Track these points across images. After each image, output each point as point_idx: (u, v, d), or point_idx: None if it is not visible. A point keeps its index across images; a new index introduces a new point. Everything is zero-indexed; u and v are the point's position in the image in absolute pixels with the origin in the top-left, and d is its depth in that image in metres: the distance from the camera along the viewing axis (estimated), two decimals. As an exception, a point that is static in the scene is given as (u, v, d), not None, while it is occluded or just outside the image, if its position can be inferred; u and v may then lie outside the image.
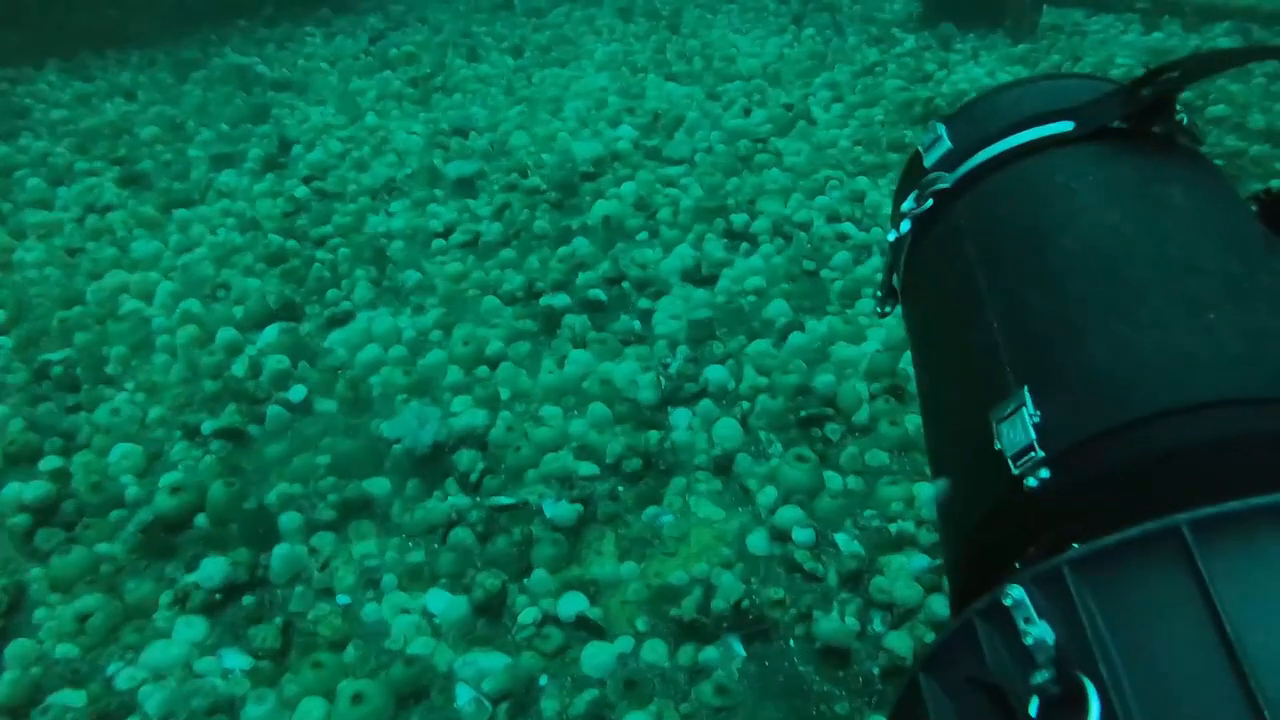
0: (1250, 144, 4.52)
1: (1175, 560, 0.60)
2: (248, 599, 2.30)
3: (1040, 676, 0.62)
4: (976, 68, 6.05)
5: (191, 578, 2.33)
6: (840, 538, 2.45)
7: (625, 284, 3.56)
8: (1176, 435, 0.70)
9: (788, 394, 2.89)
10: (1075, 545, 0.67)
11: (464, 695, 2.06)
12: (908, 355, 3.03)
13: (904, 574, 2.30)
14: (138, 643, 2.20)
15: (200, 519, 2.51)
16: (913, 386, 2.96)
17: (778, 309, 3.33)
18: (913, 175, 1.19)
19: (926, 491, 2.54)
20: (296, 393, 3.00)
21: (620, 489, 2.63)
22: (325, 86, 6.12)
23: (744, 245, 3.84)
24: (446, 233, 4.06)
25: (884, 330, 3.22)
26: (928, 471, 2.66)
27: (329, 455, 2.74)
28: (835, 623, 2.16)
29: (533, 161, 4.70)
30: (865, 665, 2.12)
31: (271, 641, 2.16)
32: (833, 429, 2.80)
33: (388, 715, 2.03)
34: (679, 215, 4.07)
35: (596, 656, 2.13)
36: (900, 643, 2.12)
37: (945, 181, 1.08)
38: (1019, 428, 0.77)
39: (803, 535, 2.41)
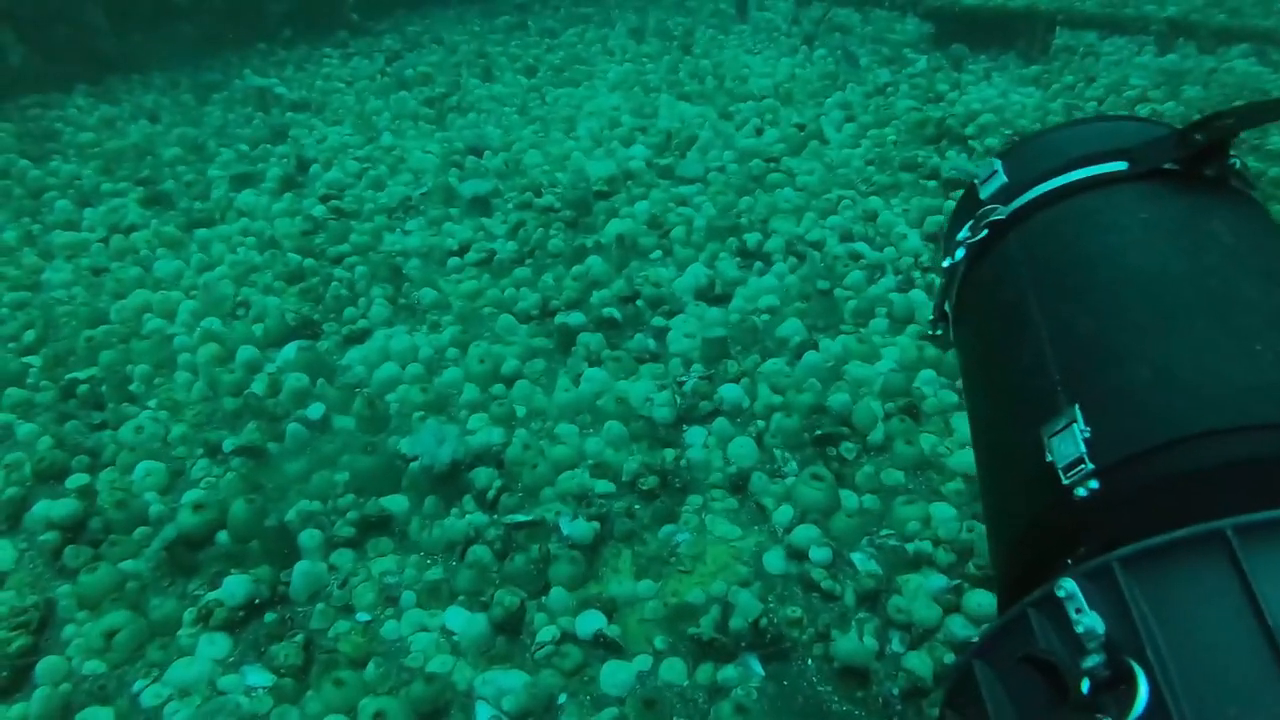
0: (1270, 165, 4.52)
1: (1219, 559, 0.66)
2: (269, 616, 2.32)
3: (1091, 661, 0.68)
4: (989, 88, 6.09)
5: (214, 595, 2.35)
6: (857, 557, 2.46)
7: (639, 302, 3.59)
8: (1216, 454, 0.76)
9: (802, 413, 2.91)
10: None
11: (484, 713, 2.08)
12: (922, 374, 3.06)
13: (922, 594, 2.30)
14: (163, 660, 2.22)
15: (222, 536, 2.54)
16: (926, 405, 2.98)
17: (792, 328, 3.35)
18: (968, 207, 1.26)
19: (943, 511, 2.55)
20: (315, 410, 3.03)
21: (637, 507, 2.64)
22: (342, 107, 6.20)
23: (757, 264, 3.87)
24: (462, 251, 4.11)
25: (898, 349, 3.24)
26: (943, 491, 2.68)
27: (347, 472, 2.77)
28: (854, 642, 2.16)
29: (547, 180, 4.75)
30: (885, 686, 2.12)
31: (293, 659, 2.19)
32: (848, 448, 2.81)
33: (408, 732, 2.04)
34: (692, 234, 4.11)
35: (615, 675, 2.14)
36: (920, 663, 2.13)
37: (1000, 213, 1.14)
38: (1070, 442, 0.83)
39: (820, 554, 2.42)
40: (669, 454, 2.79)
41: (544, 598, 2.36)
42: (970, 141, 5.10)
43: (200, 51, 7.25)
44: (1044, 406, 0.89)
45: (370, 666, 2.20)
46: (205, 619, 2.31)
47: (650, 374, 3.19)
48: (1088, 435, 0.81)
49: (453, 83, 6.57)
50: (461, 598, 2.38)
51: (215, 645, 2.26)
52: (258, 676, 2.19)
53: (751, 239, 3.99)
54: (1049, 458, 0.84)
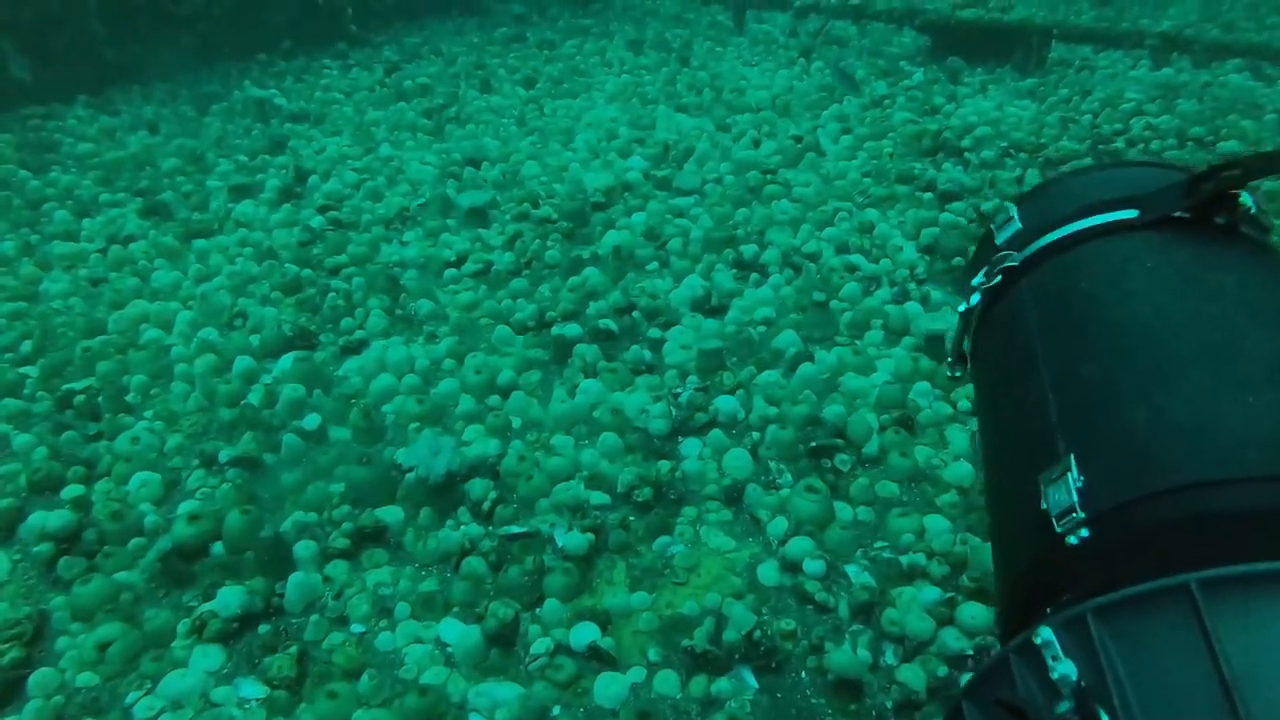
0: (1263, 179, 4.54)
1: (1185, 613, 0.69)
2: (263, 628, 2.33)
3: (1063, 706, 0.71)
4: (985, 101, 6.13)
5: (208, 606, 2.35)
6: (851, 569, 2.47)
7: (636, 314, 3.60)
8: (1204, 505, 0.79)
9: (797, 424, 2.92)
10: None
11: (477, 725, 2.08)
12: (917, 386, 3.07)
13: (915, 606, 2.31)
14: (156, 672, 2.22)
15: (217, 547, 2.54)
16: (921, 418, 2.99)
17: (787, 339, 3.36)
18: (984, 252, 1.30)
19: (937, 524, 2.55)
20: (311, 421, 3.04)
21: (631, 518, 2.65)
22: (341, 118, 6.22)
23: (754, 276, 3.88)
24: (459, 262, 4.12)
25: (893, 361, 3.25)
26: (937, 504, 2.69)
27: (343, 483, 2.77)
28: (847, 655, 2.16)
29: (544, 191, 4.76)
30: (878, 698, 2.12)
31: (287, 670, 2.18)
32: (843, 460, 2.82)
33: (401, 745, 2.04)
34: (689, 245, 4.12)
35: (609, 687, 2.14)
36: (913, 676, 2.13)
37: (1014, 260, 1.17)
38: (1063, 490, 0.86)
39: (813, 566, 2.43)
40: (664, 466, 2.79)
41: (538, 609, 2.36)
42: (966, 154, 5.13)
43: (200, 62, 7.28)
44: (1043, 452, 0.91)
45: (364, 678, 2.19)
46: (199, 630, 2.31)
47: (646, 385, 3.20)
48: (1080, 484, 0.84)
49: (451, 94, 6.60)
50: (456, 609, 2.38)
51: (209, 657, 2.26)
52: (251, 688, 2.19)
53: (748, 251, 4.00)
54: (1044, 505, 0.86)
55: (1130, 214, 1.10)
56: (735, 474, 2.77)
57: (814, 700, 2.13)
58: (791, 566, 2.45)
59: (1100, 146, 5.09)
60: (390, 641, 2.31)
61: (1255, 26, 7.56)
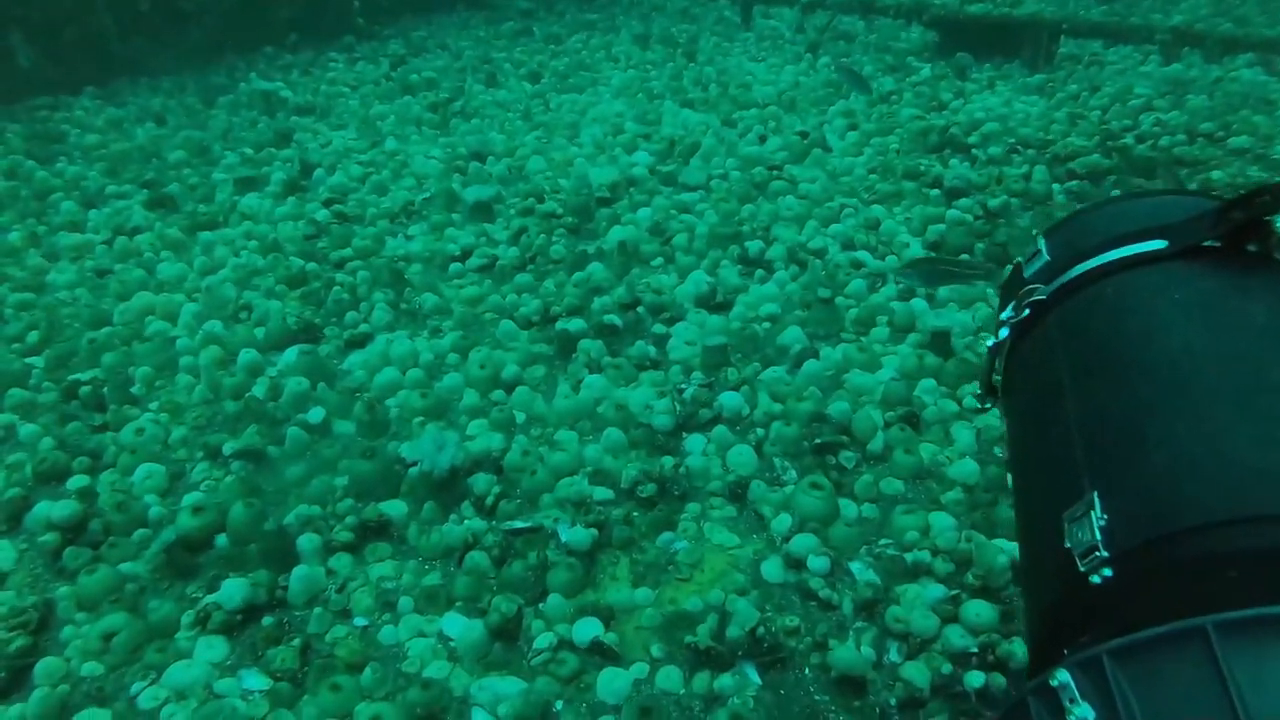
0: (1275, 175, 4.52)
1: (1201, 655, 0.68)
2: (267, 620, 2.33)
3: None
4: (993, 97, 6.09)
5: (212, 598, 2.36)
6: (855, 566, 2.46)
7: (640, 309, 3.60)
8: (1224, 544, 0.77)
9: (802, 421, 2.91)
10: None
11: None
12: (923, 383, 3.06)
13: (920, 603, 2.30)
14: (160, 662, 2.22)
15: (221, 539, 2.54)
16: (927, 414, 2.98)
17: (792, 336, 3.35)
18: (1013, 285, 1.28)
19: (942, 521, 2.54)
20: (315, 414, 3.04)
21: (635, 514, 2.64)
22: (347, 111, 6.22)
23: (759, 272, 3.87)
24: (464, 256, 4.12)
25: (898, 358, 3.24)
26: (943, 501, 2.67)
27: (347, 477, 2.77)
28: (851, 652, 2.16)
29: (549, 186, 4.76)
30: (881, 695, 2.12)
31: (290, 663, 2.19)
32: (848, 456, 2.81)
33: (404, 738, 2.05)
34: (694, 241, 4.11)
35: (612, 682, 2.14)
36: (917, 673, 2.12)
37: (1041, 293, 1.16)
38: (1086, 528, 0.85)
39: (817, 563, 2.42)
40: (668, 461, 2.79)
41: (541, 604, 2.36)
42: (974, 150, 5.10)
43: (207, 55, 7.29)
44: (1067, 490, 0.90)
45: (367, 671, 2.20)
46: (203, 622, 2.32)
47: (650, 381, 3.19)
48: (1103, 523, 0.83)
49: (457, 88, 6.59)
50: (459, 604, 2.38)
51: (213, 648, 2.27)
52: (254, 680, 2.19)
53: (753, 246, 3.99)
54: (1067, 543, 0.86)
55: (1159, 244, 1.08)
56: (739, 470, 2.77)
57: (817, 697, 2.13)
58: (795, 563, 2.45)
59: (1109, 143, 5.06)
60: (393, 635, 2.31)
61: (1268, 21, 7.50)
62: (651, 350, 3.37)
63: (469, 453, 2.82)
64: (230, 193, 4.84)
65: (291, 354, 3.37)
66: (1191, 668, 0.68)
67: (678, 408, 2.99)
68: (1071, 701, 0.73)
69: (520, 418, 3.06)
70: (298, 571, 2.41)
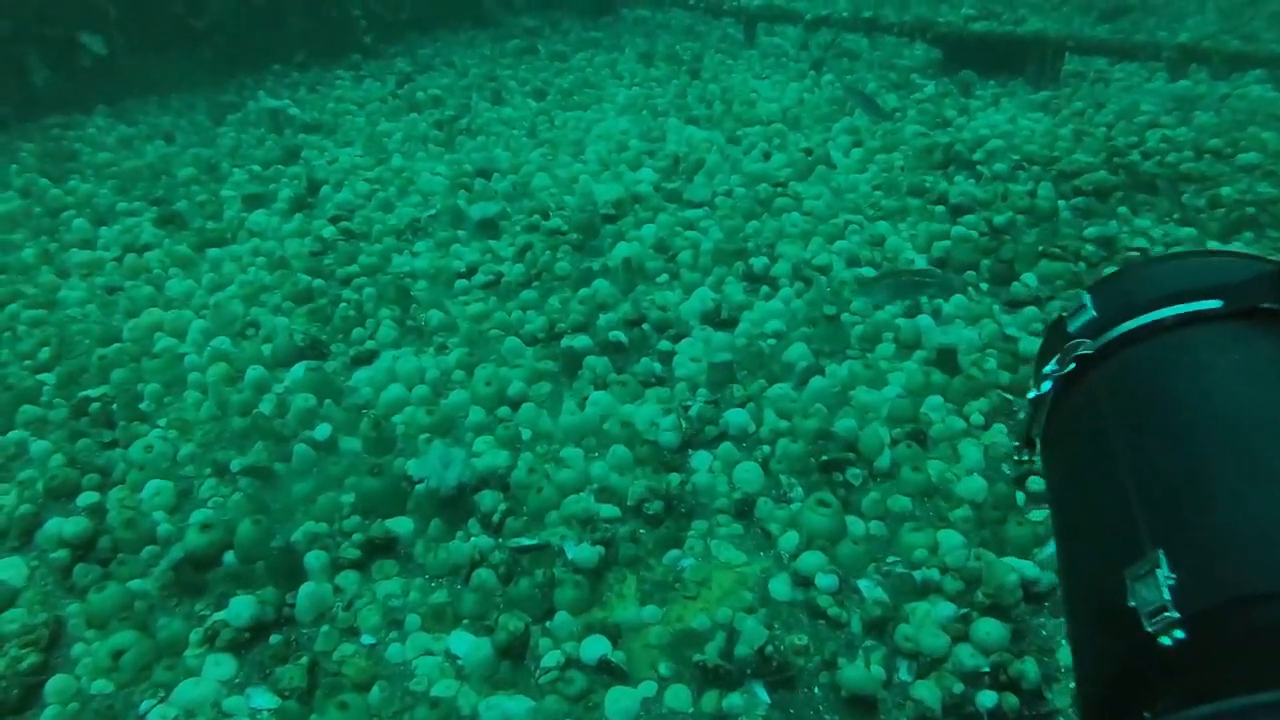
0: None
1: None
2: (275, 638, 2.33)
3: None
4: (997, 114, 6.12)
5: (220, 615, 2.36)
6: (864, 584, 2.45)
7: (646, 326, 3.61)
8: None
9: (808, 438, 2.91)
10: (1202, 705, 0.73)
11: (487, 738, 2.07)
12: (929, 400, 3.06)
13: (929, 622, 2.29)
14: (169, 680, 2.22)
15: (229, 556, 2.55)
16: (934, 431, 2.98)
17: (798, 352, 3.35)
18: (1055, 339, 1.28)
19: (950, 539, 2.54)
20: (322, 431, 3.05)
21: (642, 531, 2.64)
22: (353, 128, 6.26)
23: (764, 288, 3.88)
24: (469, 273, 4.14)
25: (904, 375, 3.24)
26: (951, 518, 2.67)
27: (353, 494, 2.78)
28: (860, 671, 2.15)
29: (554, 203, 4.78)
30: (892, 716, 2.11)
31: (298, 681, 2.19)
32: (854, 474, 2.81)
33: (411, 757, 2.04)
34: (699, 258, 4.13)
35: (620, 701, 2.13)
36: (928, 693, 2.11)
37: (1088, 348, 1.15)
38: (1153, 588, 0.82)
39: (826, 581, 2.42)
40: (674, 479, 2.79)
41: (548, 622, 2.36)
42: (978, 166, 5.12)
43: (216, 74, 7.35)
44: (1126, 547, 0.88)
45: (375, 690, 2.19)
46: (211, 640, 2.32)
47: (656, 398, 3.20)
48: (1172, 582, 0.80)
49: (463, 105, 6.64)
50: (466, 621, 2.38)
51: (221, 666, 2.27)
52: (262, 698, 2.19)
53: (758, 263, 4.00)
54: (1131, 602, 0.83)
55: (1214, 304, 1.07)
56: (746, 487, 2.77)
57: (827, 717, 2.12)
58: (803, 581, 2.44)
59: (1115, 159, 5.07)
60: (400, 653, 2.31)
61: (1276, 37, 7.50)
62: (657, 367, 3.38)
63: (475, 470, 2.82)
64: (238, 210, 4.87)
65: (298, 370, 3.39)
66: None
67: (683, 425, 3.00)
68: None
69: (526, 434, 3.06)
70: (305, 589, 2.41)
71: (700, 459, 2.92)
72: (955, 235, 4.28)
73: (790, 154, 5.34)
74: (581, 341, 3.49)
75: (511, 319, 3.74)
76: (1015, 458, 1.37)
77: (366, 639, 2.36)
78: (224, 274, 4.18)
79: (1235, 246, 4.06)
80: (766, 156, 5.34)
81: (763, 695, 2.15)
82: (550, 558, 2.54)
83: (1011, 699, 2.09)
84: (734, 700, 2.13)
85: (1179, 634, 0.77)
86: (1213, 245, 4.08)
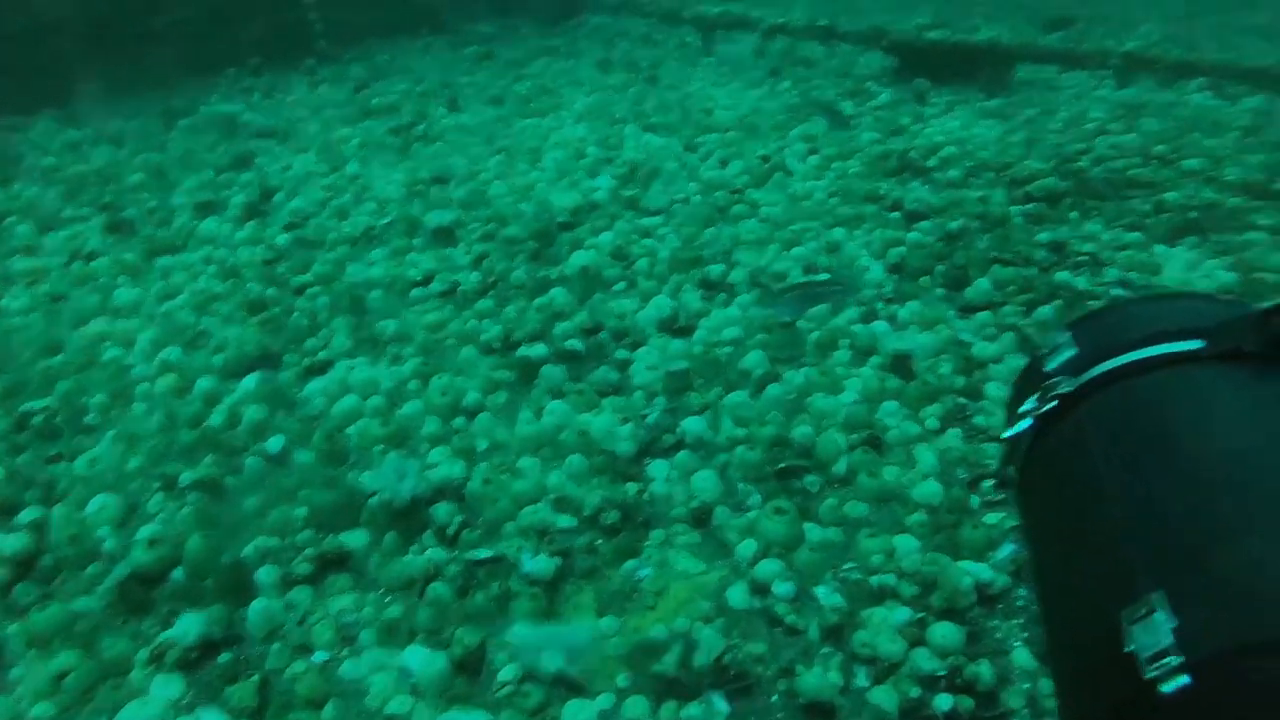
0: (1226, 196, 4.64)
1: None
2: (224, 656, 2.28)
3: None
4: (951, 121, 6.21)
5: (168, 634, 2.30)
6: (821, 590, 2.46)
7: (603, 334, 3.60)
8: None
9: (765, 445, 2.92)
10: None
11: (442, 755, 2.04)
12: (885, 406, 3.09)
13: (886, 627, 2.31)
14: (114, 702, 2.17)
15: (177, 573, 2.49)
16: (889, 437, 3.00)
17: (755, 360, 3.37)
18: (1031, 378, 1.26)
19: (906, 544, 2.56)
20: (274, 443, 2.99)
21: (599, 542, 2.63)
22: (308, 135, 6.18)
23: (721, 295, 3.90)
24: (425, 281, 4.10)
25: (860, 381, 3.26)
26: (906, 523, 2.68)
27: (306, 507, 2.73)
28: (818, 678, 2.16)
29: (511, 211, 4.75)
30: (845, 721, 2.12)
31: (249, 700, 2.14)
32: (811, 480, 2.82)
33: (364, 776, 2.01)
34: (656, 266, 4.13)
35: (578, 715, 2.12)
36: (885, 698, 2.13)
37: (1069, 385, 1.14)
38: (1153, 631, 0.79)
39: (783, 588, 2.42)
40: (631, 488, 2.79)
41: (504, 637, 2.34)
42: (933, 173, 5.19)
43: (168, 77, 7.21)
44: (1121, 589, 0.85)
45: (328, 708, 2.16)
46: (159, 659, 2.26)
47: (613, 407, 3.19)
48: (1174, 625, 0.77)
49: (419, 112, 6.58)
50: (421, 636, 2.35)
51: (169, 687, 2.21)
52: (213, 719, 2.13)
53: (715, 270, 4.02)
54: (1129, 647, 0.80)
55: (1197, 345, 1.07)
56: (703, 496, 2.77)
57: (783, 724, 2.12)
58: (761, 589, 2.45)
59: (1065, 165, 5.17)
60: (354, 669, 2.27)
61: (1218, 46, 7.72)
62: (614, 376, 3.37)
63: (430, 481, 2.79)
64: (189, 217, 4.78)
65: (250, 381, 3.33)
66: None
67: (641, 433, 2.99)
68: None
69: (482, 445, 3.03)
70: (256, 605, 2.36)
71: (657, 468, 2.91)
72: (910, 241, 4.33)
73: (747, 161, 5.37)
74: (538, 350, 3.47)
75: (467, 328, 3.71)
76: (989, 496, 1.34)
77: (319, 655, 2.31)
78: (174, 283, 4.09)
79: (1179, 250, 4.17)
80: (724, 164, 5.36)
81: (721, 705, 2.15)
82: (506, 570, 2.52)
83: (967, 701, 2.12)
84: (692, 710, 2.12)
85: (1183, 680, 0.74)
86: (1159, 249, 4.18)
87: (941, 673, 2.18)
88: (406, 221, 4.63)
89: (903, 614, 2.34)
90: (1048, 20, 8.55)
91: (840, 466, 2.86)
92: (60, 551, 2.57)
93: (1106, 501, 0.96)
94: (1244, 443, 0.91)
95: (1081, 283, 3.92)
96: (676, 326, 3.67)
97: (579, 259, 4.19)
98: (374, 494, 2.75)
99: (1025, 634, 2.24)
